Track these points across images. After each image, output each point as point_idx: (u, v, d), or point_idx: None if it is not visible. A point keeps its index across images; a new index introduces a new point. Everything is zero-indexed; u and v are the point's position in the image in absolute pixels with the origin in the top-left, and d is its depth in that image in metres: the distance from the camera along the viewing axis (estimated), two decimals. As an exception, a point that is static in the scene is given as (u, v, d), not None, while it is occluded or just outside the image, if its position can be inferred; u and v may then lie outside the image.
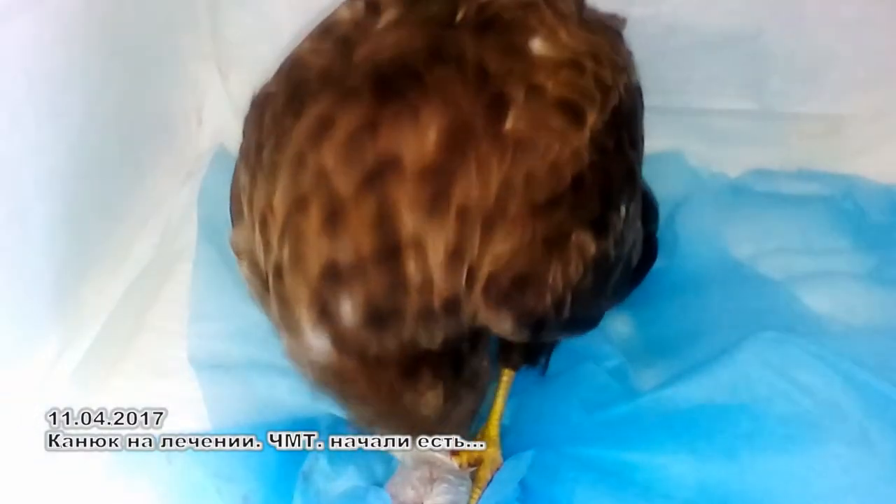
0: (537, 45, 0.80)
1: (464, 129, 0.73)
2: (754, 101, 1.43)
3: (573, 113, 0.78)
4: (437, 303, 0.72)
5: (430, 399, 0.79)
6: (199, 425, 1.06)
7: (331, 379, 0.77)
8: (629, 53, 0.96)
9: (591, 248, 0.80)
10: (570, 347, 1.07)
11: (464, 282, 0.73)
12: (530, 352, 1.01)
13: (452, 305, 0.73)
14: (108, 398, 1.11)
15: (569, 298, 0.80)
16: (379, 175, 0.70)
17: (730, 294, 1.17)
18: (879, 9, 1.33)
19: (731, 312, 1.12)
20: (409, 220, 0.70)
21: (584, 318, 0.90)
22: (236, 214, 0.85)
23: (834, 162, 1.39)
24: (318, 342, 0.73)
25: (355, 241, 0.70)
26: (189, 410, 1.08)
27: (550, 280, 0.77)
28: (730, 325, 1.07)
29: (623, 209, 0.87)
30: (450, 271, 0.72)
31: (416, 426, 0.84)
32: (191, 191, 1.36)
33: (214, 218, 1.26)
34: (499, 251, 0.74)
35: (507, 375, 1.02)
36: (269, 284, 0.77)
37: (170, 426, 1.04)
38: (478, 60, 0.76)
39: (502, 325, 0.77)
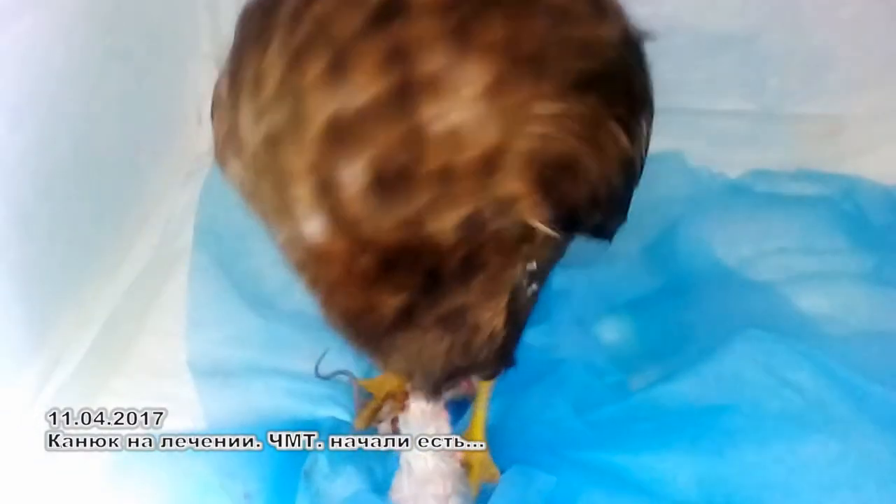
0: None
1: None
2: (754, 101, 1.43)
3: (598, 8, 0.73)
4: (466, 157, 0.61)
5: (387, 310, 0.69)
6: (199, 426, 1.06)
7: (310, 261, 0.68)
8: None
9: (623, 139, 0.74)
10: (554, 351, 1.07)
11: (505, 130, 0.62)
12: (507, 352, 0.94)
13: (488, 162, 0.62)
14: (108, 399, 1.11)
15: (604, 193, 0.73)
16: (387, 11, 0.61)
17: (724, 298, 1.17)
18: (879, 9, 1.33)
19: (725, 317, 1.12)
20: (427, 55, 0.60)
21: (606, 227, 0.83)
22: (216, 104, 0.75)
23: (834, 162, 1.39)
24: (312, 225, 0.65)
25: (362, 88, 0.60)
26: (189, 411, 1.08)
27: (590, 165, 0.70)
28: (724, 329, 1.07)
29: (643, 123, 0.81)
30: (487, 114, 0.61)
31: (373, 343, 0.75)
32: (191, 191, 1.36)
33: (214, 220, 1.26)
34: (539, 121, 0.64)
35: (485, 385, 0.99)
36: (258, 165, 0.68)
37: (170, 427, 1.04)
38: None
39: (538, 216, 0.68)
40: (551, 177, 0.67)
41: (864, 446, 0.93)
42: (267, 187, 0.68)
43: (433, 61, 0.60)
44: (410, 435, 0.91)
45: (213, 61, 1.49)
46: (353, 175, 0.62)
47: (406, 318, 0.71)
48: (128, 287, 1.23)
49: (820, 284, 1.19)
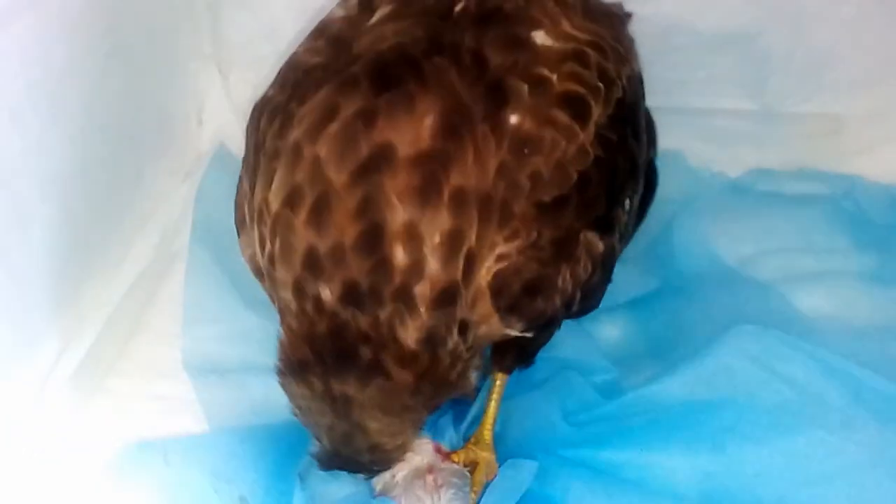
0: (540, 37, 0.79)
1: (461, 115, 0.72)
2: (754, 100, 1.43)
3: (578, 108, 0.78)
4: (429, 292, 0.72)
5: (338, 391, 0.78)
6: (198, 426, 1.06)
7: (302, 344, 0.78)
8: (631, 41, 0.96)
9: (599, 246, 0.80)
10: (555, 353, 1.06)
11: (461, 270, 0.72)
12: (524, 353, 1.00)
13: (448, 295, 0.73)
14: (108, 399, 1.11)
15: (578, 296, 0.80)
16: (372, 165, 0.71)
17: (724, 297, 1.17)
18: (879, 8, 1.33)
19: (725, 316, 1.12)
20: (399, 207, 0.71)
21: (590, 305, 0.90)
22: (240, 222, 0.86)
23: (834, 162, 1.39)
24: (291, 321, 0.76)
25: (338, 230, 0.71)
26: (188, 411, 1.08)
27: (560, 283, 0.77)
28: (723, 328, 1.07)
29: (627, 203, 0.86)
30: (446, 256, 0.71)
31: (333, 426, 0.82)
32: (190, 190, 1.36)
33: (211, 218, 1.26)
34: (504, 250, 0.73)
35: (500, 379, 1.02)
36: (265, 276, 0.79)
37: (168, 427, 1.04)
38: (478, 52, 0.76)
39: (512, 328, 0.77)
40: (517, 302, 0.75)
41: (861, 439, 0.93)
42: (269, 290, 0.81)
43: (404, 211, 0.71)
44: None
45: (213, 61, 1.51)
46: (327, 295, 0.73)
47: (299, 370, 0.79)
48: (127, 287, 1.23)
49: (820, 283, 1.19)
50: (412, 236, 0.71)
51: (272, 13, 1.39)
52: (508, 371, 1.01)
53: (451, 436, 1.02)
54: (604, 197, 0.80)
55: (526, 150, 0.74)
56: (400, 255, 0.71)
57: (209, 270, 1.21)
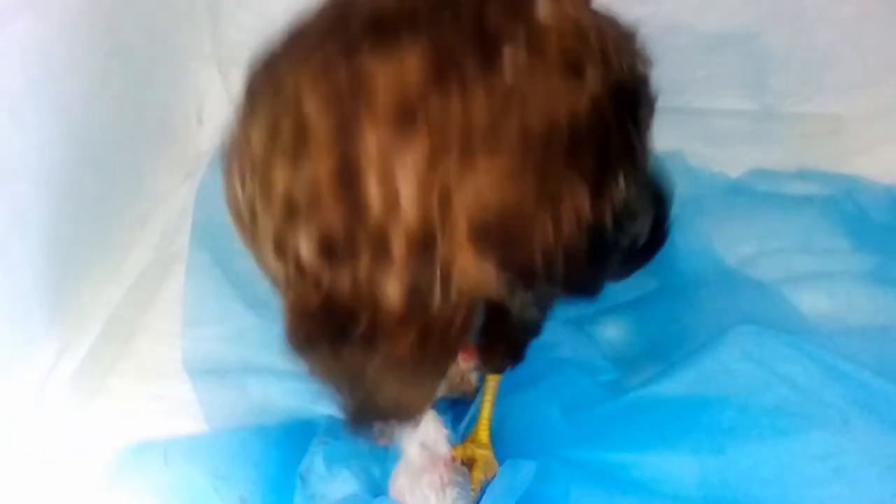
0: (542, 10, 0.75)
1: (450, 58, 0.68)
2: (754, 101, 1.43)
3: (574, 72, 0.75)
4: (403, 235, 0.67)
5: (300, 334, 0.75)
6: (198, 426, 1.06)
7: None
8: (642, 48, 0.95)
9: (587, 206, 0.75)
10: (555, 353, 1.07)
11: (437, 209, 0.67)
12: (512, 349, 0.98)
13: (424, 239, 0.68)
14: (108, 399, 1.11)
15: (560, 259, 0.75)
16: (349, 93, 0.67)
17: (724, 298, 1.17)
18: (879, 8, 1.33)
19: (725, 317, 1.12)
20: (372, 136, 0.66)
21: (579, 286, 0.86)
22: (226, 166, 0.81)
23: (834, 162, 1.39)
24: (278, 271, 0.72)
25: (313, 163, 0.67)
26: (187, 411, 1.08)
27: (541, 230, 0.72)
28: (723, 329, 1.07)
29: (622, 183, 0.83)
30: (420, 194, 0.67)
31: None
32: (190, 191, 1.36)
33: (211, 218, 1.26)
34: (483, 183, 0.68)
35: (492, 380, 1.01)
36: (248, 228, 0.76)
37: (168, 427, 1.04)
38: (478, 15, 0.72)
39: (484, 274, 0.71)
40: (492, 234, 0.70)
41: (862, 440, 0.93)
42: (248, 238, 0.77)
43: (376, 140, 0.66)
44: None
45: (213, 61, 1.50)
46: (304, 246, 0.69)
47: (304, 342, 0.75)
48: (127, 287, 1.23)
49: (820, 284, 1.19)
50: (386, 169, 0.66)
51: (272, 13, 1.38)
52: (499, 371, 1.00)
53: (450, 436, 1.02)
54: (594, 159, 0.76)
55: (515, 102, 0.70)
56: (374, 191, 0.66)
57: (209, 271, 1.21)
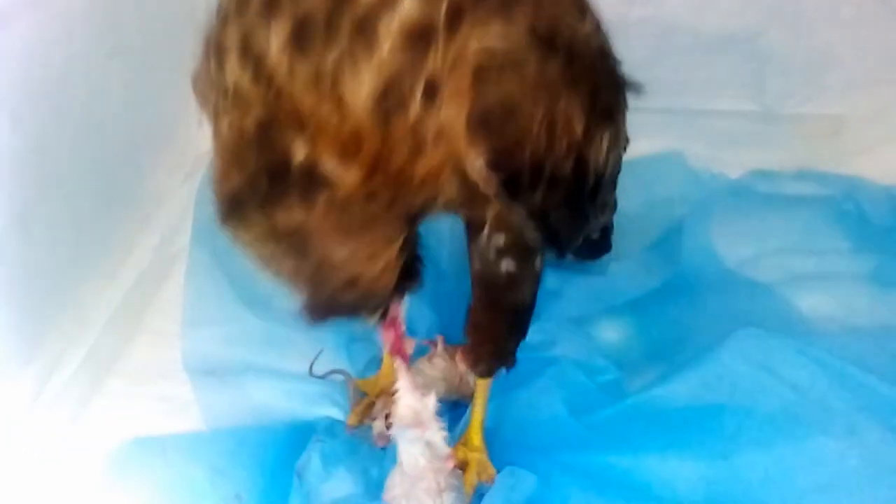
0: None
1: None
2: (754, 101, 1.43)
3: (580, 7, 0.76)
4: (397, 23, 0.62)
5: (232, 185, 0.69)
6: (197, 426, 1.06)
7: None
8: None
9: (579, 128, 0.74)
10: (553, 353, 1.06)
11: (444, 14, 0.63)
12: (499, 349, 0.96)
13: (421, 32, 0.63)
14: (108, 399, 1.11)
15: (547, 174, 0.73)
16: None
17: (724, 298, 1.17)
18: (879, 9, 1.33)
19: (725, 317, 1.12)
20: None
21: (553, 231, 0.82)
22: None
23: (834, 162, 1.39)
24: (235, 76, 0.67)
25: None
26: (187, 412, 1.08)
27: (535, 128, 0.70)
28: (724, 330, 1.06)
29: (604, 145, 0.81)
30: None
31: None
32: (190, 191, 1.36)
33: (211, 219, 1.25)
34: (493, 44, 0.65)
35: (482, 384, 0.99)
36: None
37: (167, 427, 1.04)
38: None
39: (473, 156, 0.67)
40: (490, 115, 0.67)
41: (865, 444, 0.92)
42: (212, 55, 0.74)
43: None
44: (402, 431, 0.90)
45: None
46: (274, 40, 0.63)
47: (235, 208, 0.70)
48: (128, 288, 1.23)
49: (820, 284, 1.18)
50: None
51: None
52: (488, 374, 0.98)
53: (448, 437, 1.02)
54: (587, 87, 0.75)
55: None
56: None
57: (209, 272, 1.21)
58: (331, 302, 0.74)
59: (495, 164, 0.69)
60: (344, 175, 0.65)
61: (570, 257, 1.06)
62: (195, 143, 1.47)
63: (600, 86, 0.79)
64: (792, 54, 1.38)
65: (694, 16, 1.34)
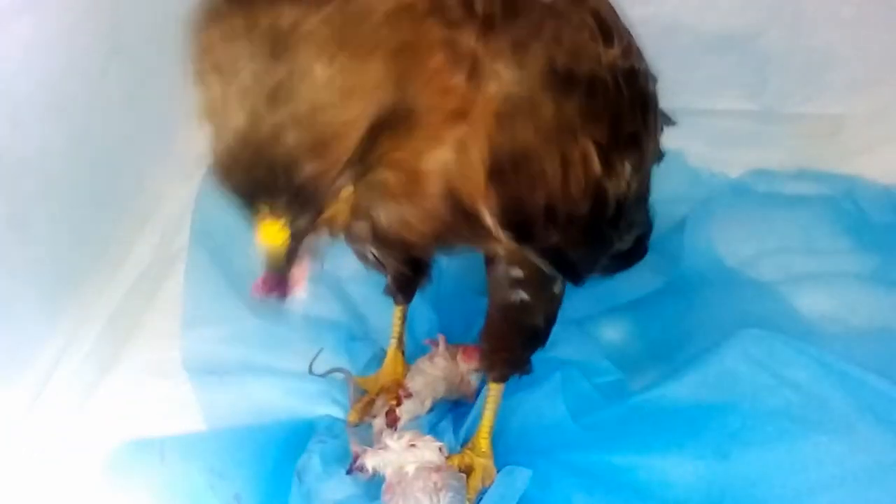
0: None
1: None
2: (755, 101, 1.43)
3: (604, 33, 0.76)
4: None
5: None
6: (196, 426, 1.06)
7: None
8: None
9: (596, 165, 0.75)
10: (556, 354, 1.06)
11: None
12: (515, 358, 0.97)
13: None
14: (108, 399, 1.11)
15: (562, 217, 0.74)
16: None
17: (725, 298, 1.17)
18: (879, 9, 1.33)
19: (726, 317, 1.11)
20: None
21: (569, 263, 0.84)
22: None
23: (834, 162, 1.39)
24: None
25: None
26: (187, 411, 1.08)
27: (550, 172, 0.71)
28: (725, 330, 1.06)
29: (627, 170, 0.82)
30: None
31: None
32: (189, 191, 1.36)
33: (211, 219, 1.26)
34: (505, 82, 0.68)
35: (495, 389, 0.99)
36: None
37: (167, 427, 1.04)
38: None
39: (484, 209, 0.70)
40: (508, 170, 0.69)
41: (866, 444, 0.92)
42: None
43: None
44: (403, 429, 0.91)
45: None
46: None
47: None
48: (127, 288, 1.23)
49: (821, 284, 1.18)
50: None
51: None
52: (503, 379, 0.99)
53: (449, 439, 1.01)
54: (607, 121, 0.76)
55: (548, 26, 0.71)
56: None
57: (209, 271, 1.21)
58: (269, 140, 0.65)
59: (506, 212, 0.71)
60: None
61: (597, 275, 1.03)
62: (195, 143, 1.47)
63: (623, 113, 0.80)
64: (792, 54, 1.38)
65: (694, 16, 1.34)
